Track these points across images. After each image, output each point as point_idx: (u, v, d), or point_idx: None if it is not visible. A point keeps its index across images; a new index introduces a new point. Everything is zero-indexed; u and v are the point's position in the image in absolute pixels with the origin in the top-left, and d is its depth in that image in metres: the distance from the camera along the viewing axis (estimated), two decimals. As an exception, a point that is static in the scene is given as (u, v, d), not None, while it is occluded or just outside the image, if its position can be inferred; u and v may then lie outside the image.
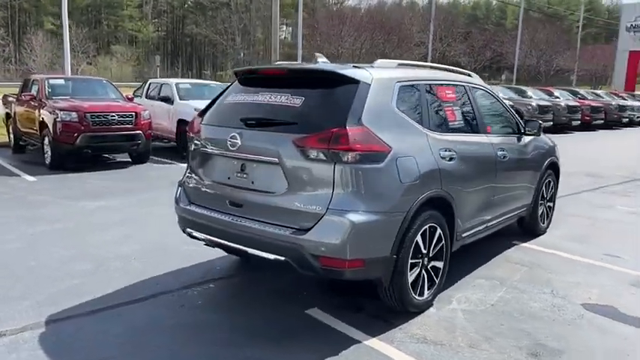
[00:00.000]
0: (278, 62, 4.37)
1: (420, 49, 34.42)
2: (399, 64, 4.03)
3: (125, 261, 4.68)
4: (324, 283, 4.21)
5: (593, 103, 23.10)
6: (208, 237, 3.68)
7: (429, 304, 3.78)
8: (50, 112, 9.47)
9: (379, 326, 3.51)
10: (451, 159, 3.84)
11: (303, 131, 3.23)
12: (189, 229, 3.85)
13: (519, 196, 5.12)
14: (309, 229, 3.15)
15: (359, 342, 3.30)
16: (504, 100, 5.37)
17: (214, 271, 4.54)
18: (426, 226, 3.58)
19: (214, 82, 14.30)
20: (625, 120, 24.74)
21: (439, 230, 3.73)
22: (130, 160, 10.48)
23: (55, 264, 4.57)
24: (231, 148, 3.48)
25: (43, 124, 9.70)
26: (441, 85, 4.19)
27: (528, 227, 5.62)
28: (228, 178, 3.60)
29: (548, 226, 5.95)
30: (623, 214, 7.05)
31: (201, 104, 11.66)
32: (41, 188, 7.82)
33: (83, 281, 4.20)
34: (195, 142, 3.87)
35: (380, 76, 3.51)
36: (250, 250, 3.40)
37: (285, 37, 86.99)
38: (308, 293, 4.08)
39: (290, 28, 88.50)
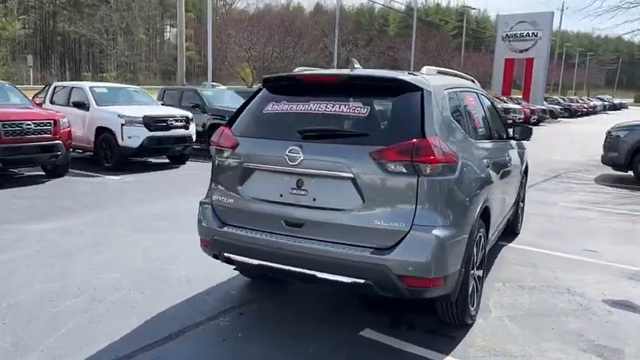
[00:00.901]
0: (302, 68, 4.06)
1: (325, 52, 34.98)
2: (439, 71, 3.95)
3: (120, 292, 4.09)
4: (356, 301, 4.02)
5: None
6: (256, 262, 3.31)
7: (476, 314, 3.75)
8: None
9: (444, 342, 3.41)
10: (487, 166, 3.86)
11: (377, 143, 3.02)
12: (227, 254, 3.44)
13: (512, 198, 5.31)
14: (390, 248, 2.95)
15: (435, 361, 3.17)
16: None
17: (231, 296, 4.15)
18: (479, 236, 3.55)
19: (131, 86, 13.21)
20: (510, 121, 27.18)
21: (483, 239, 3.72)
22: (43, 173, 9.34)
23: (37, 302, 3.85)
24: (289, 163, 3.16)
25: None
26: (467, 92, 4.20)
27: (511, 227, 5.86)
28: (281, 196, 3.26)
29: (521, 225, 6.26)
30: (569, 210, 7.64)
31: (126, 110, 11.03)
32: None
33: (83, 321, 3.58)
34: (231, 156, 3.47)
35: (436, 84, 3.41)
36: (319, 275, 3.09)
37: (169, 39, 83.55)
38: (347, 313, 3.86)
39: (175, 30, 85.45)
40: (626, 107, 67.21)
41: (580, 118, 41.15)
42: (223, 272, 4.43)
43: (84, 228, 5.91)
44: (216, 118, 12.99)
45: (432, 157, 2.95)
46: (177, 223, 6.22)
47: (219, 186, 3.57)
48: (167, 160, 11.62)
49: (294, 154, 3.14)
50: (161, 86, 13.08)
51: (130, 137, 10.28)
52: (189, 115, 11.45)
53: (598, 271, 4.90)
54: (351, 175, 3.02)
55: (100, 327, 3.50)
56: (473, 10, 60.65)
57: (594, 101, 51.52)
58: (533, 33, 36.98)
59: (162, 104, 12.94)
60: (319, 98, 3.30)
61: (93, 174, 9.76)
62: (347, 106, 3.20)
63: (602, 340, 3.50)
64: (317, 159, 3.11)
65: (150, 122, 10.43)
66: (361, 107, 3.16)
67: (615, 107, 59.79)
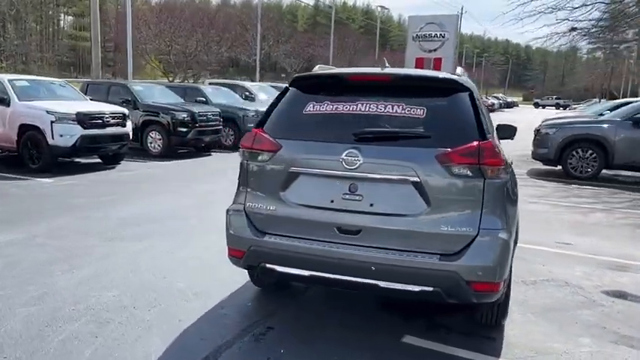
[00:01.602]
0: (321, 66, 3.85)
1: (246, 48, 34.15)
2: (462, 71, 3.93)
3: (126, 312, 3.67)
4: (378, 307, 3.93)
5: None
6: (307, 272, 3.09)
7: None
8: None
9: (488, 344, 3.42)
10: None
11: (439, 145, 2.93)
12: (269, 265, 3.18)
13: None
14: (458, 253, 2.88)
15: (492, 364, 3.16)
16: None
17: (249, 309, 3.89)
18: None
19: (56, 80, 12.01)
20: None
21: None
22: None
23: (31, 329, 3.34)
24: (346, 167, 2.98)
25: None
26: None
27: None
28: (332, 201, 3.06)
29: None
30: (523, 204, 8.04)
31: (56, 106, 10.01)
32: None
33: (101, 349, 3.16)
34: (272, 160, 3.21)
35: (471, 84, 3.38)
36: (383, 284, 2.95)
37: (63, 27, 77.46)
38: (376, 320, 3.76)
39: (70, 18, 79.23)
40: (517, 105, 72.99)
41: (483, 116, 43.94)
42: (222, 282, 4.22)
43: (43, 239, 5.25)
44: (149, 115, 12.26)
45: (496, 160, 2.93)
46: (150, 229, 5.74)
47: (255, 192, 3.29)
48: (98, 160, 10.73)
49: (352, 158, 2.96)
50: (60, 79, 11.99)
51: (61, 136, 9.34)
52: (126, 111, 10.66)
53: (582, 263, 5.19)
54: (417, 178, 2.91)
55: (125, 354, 3.11)
56: (378, 10, 62.68)
57: (491, 100, 55.33)
58: (440, 34, 38.75)
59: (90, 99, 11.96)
60: (368, 98, 3.14)
61: (20, 176, 8.78)
62: (401, 107, 3.07)
63: (624, 330, 3.69)
64: (378, 162, 2.96)
65: (84, 119, 9.55)
66: (417, 108, 3.05)
67: (509, 105, 64.68)
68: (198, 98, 14.29)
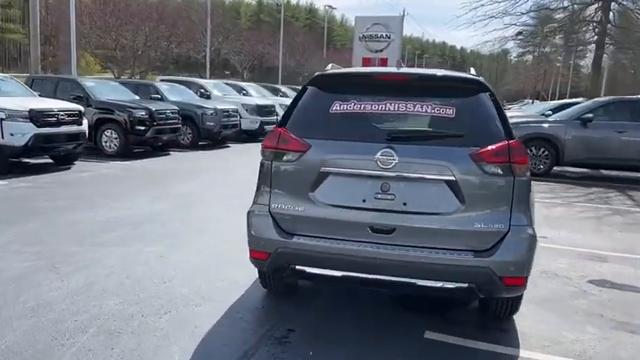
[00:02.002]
0: (334, 65, 3.81)
1: (195, 44, 33.09)
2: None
3: (135, 320, 3.49)
4: (390, 304, 3.96)
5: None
6: (339, 273, 3.07)
7: None
8: None
9: (505, 336, 3.53)
10: None
11: (471, 144, 3.00)
12: (298, 267, 3.13)
13: None
14: (490, 250, 2.95)
15: (516, 356, 3.25)
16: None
17: (262, 312, 3.83)
18: None
19: (1, 74, 11.20)
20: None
21: None
22: None
23: (36, 343, 3.10)
24: (381, 166, 2.97)
25: None
26: None
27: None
28: (364, 201, 3.05)
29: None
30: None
31: (4, 102, 9.30)
32: None
33: (122, 360, 2.99)
34: (299, 160, 3.15)
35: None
36: (420, 282, 2.98)
37: (-1, 20, 72.45)
38: (393, 317, 3.78)
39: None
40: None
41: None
42: (226, 285, 4.16)
43: (18, 247, 4.90)
44: (103, 113, 11.70)
45: (524, 158, 3.02)
46: (129, 234, 5.50)
47: (281, 193, 3.22)
48: (49, 161, 10.14)
49: (388, 157, 2.96)
50: (4, 74, 11.29)
51: (12, 135, 8.76)
52: (82, 108, 10.16)
53: (563, 256, 5.45)
54: (452, 177, 2.95)
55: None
56: (326, 9, 63.07)
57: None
58: (386, 35, 39.53)
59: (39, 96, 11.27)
60: (395, 98, 3.15)
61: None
62: (430, 106, 3.10)
63: (619, 317, 3.91)
64: (413, 162, 2.98)
65: (37, 117, 9.00)
66: (447, 107, 3.09)
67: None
68: (153, 95, 13.81)
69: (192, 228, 5.85)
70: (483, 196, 3.00)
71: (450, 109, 3.10)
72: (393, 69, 3.60)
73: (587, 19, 16.20)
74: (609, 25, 15.99)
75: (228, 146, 14.70)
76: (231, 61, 41.01)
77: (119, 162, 10.69)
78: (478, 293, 3.01)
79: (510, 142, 3.01)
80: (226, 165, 11.29)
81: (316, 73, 3.48)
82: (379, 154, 2.98)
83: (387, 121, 3.15)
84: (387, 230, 3.02)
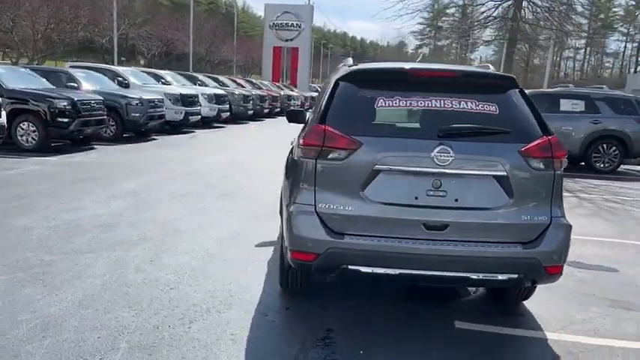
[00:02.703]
0: (347, 59, 3.75)
1: (100, 28, 30.37)
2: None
3: (161, 332, 3.25)
4: (407, 296, 4.05)
5: (273, 94, 26.03)
6: (396, 271, 3.06)
7: None
8: None
9: (524, 321, 3.75)
10: None
11: (517, 140, 3.12)
12: (352, 266, 3.07)
13: None
14: (535, 241, 3.11)
15: (545, 339, 3.47)
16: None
17: (294, 314, 3.75)
18: None
19: None
20: (294, 107, 28.96)
21: None
22: None
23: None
24: (437, 164, 3.00)
25: None
26: None
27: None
28: (416, 198, 3.07)
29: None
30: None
31: None
32: None
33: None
34: (349, 158, 3.08)
35: None
36: (475, 276, 3.06)
37: None
38: (415, 309, 3.86)
39: None
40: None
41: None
42: (239, 289, 4.01)
43: None
44: (17, 103, 10.55)
45: (563, 152, 3.20)
46: (102, 238, 5.06)
47: (328, 192, 3.13)
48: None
49: (444, 155, 2.99)
50: None
51: None
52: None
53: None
54: (504, 172, 3.05)
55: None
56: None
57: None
58: (297, 24, 39.78)
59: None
60: (438, 94, 3.19)
61: None
62: (474, 103, 3.18)
63: (611, 295, 4.28)
64: (467, 158, 3.04)
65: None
66: (490, 104, 3.19)
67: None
68: (70, 83, 12.70)
69: (167, 229, 5.51)
70: (529, 190, 3.15)
71: (492, 105, 3.20)
72: (433, 65, 3.63)
73: (504, 16, 17.36)
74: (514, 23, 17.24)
75: (154, 139, 13.93)
76: (139, 47, 38.68)
77: (44, 158, 9.72)
78: (525, 283, 3.17)
79: (550, 137, 3.17)
80: (161, 159, 10.70)
81: (351, 69, 3.41)
82: (435, 151, 3.01)
83: (433, 118, 3.18)
84: (439, 226, 3.07)
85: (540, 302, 4.03)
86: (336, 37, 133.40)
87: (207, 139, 15.14)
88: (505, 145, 3.12)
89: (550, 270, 3.16)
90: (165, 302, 3.67)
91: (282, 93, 28.27)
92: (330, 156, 3.12)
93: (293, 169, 3.32)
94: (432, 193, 3.07)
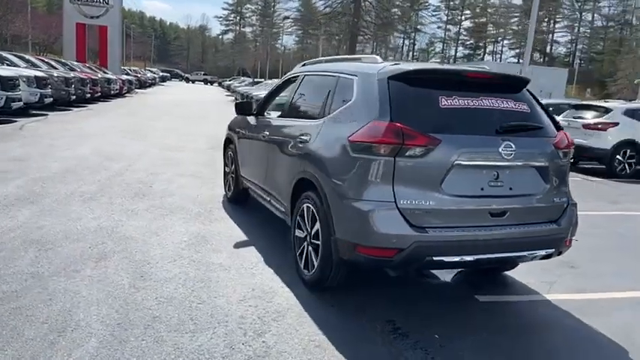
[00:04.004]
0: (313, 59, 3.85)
1: None
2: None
3: (206, 339, 2.96)
4: (422, 283, 4.38)
5: (92, 76, 23.42)
6: (471, 257, 3.38)
7: None
8: None
9: (536, 287, 4.30)
10: None
11: (547, 134, 3.63)
12: (437, 258, 3.26)
13: None
14: (558, 220, 3.67)
15: (548, 301, 4.09)
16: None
17: (342, 309, 3.70)
18: None
19: None
20: (114, 92, 26.54)
21: None
22: None
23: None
24: (505, 157, 3.33)
25: None
26: None
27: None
28: (482, 189, 3.39)
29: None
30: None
31: None
32: None
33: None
34: (427, 154, 3.25)
35: None
36: (526, 253, 3.49)
37: None
38: (440, 293, 4.21)
39: None
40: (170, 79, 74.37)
41: (149, 89, 43.07)
42: (265, 288, 3.91)
43: None
44: None
45: (572, 144, 3.80)
46: (51, 257, 4.25)
47: (408, 188, 3.24)
48: None
49: (509, 149, 3.34)
50: None
51: None
52: None
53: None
54: (545, 163, 3.53)
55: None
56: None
57: (150, 74, 54.86)
58: (104, 0, 36.01)
59: None
60: (484, 94, 3.51)
61: None
62: (511, 102, 3.58)
63: (579, 263, 4.95)
64: (525, 152, 3.47)
65: None
66: (522, 103, 3.63)
67: (163, 79, 65.10)
68: None
69: (115, 237, 4.80)
70: (556, 176, 3.69)
71: (523, 104, 3.66)
72: (478, 68, 3.86)
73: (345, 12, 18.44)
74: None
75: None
76: None
77: None
78: (553, 255, 3.70)
79: (563, 131, 3.75)
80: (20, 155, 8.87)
81: (402, 69, 3.52)
82: (502, 146, 3.34)
83: (487, 116, 3.49)
84: (500, 213, 3.43)
85: (529, 271, 4.49)
86: (133, 16, 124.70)
87: (41, 130, 12.89)
88: (544, 139, 3.63)
89: (567, 243, 3.76)
90: (206, 319, 3.32)
91: (99, 76, 25.58)
92: (407, 153, 3.22)
93: (364, 168, 3.29)
94: (492, 184, 3.41)
